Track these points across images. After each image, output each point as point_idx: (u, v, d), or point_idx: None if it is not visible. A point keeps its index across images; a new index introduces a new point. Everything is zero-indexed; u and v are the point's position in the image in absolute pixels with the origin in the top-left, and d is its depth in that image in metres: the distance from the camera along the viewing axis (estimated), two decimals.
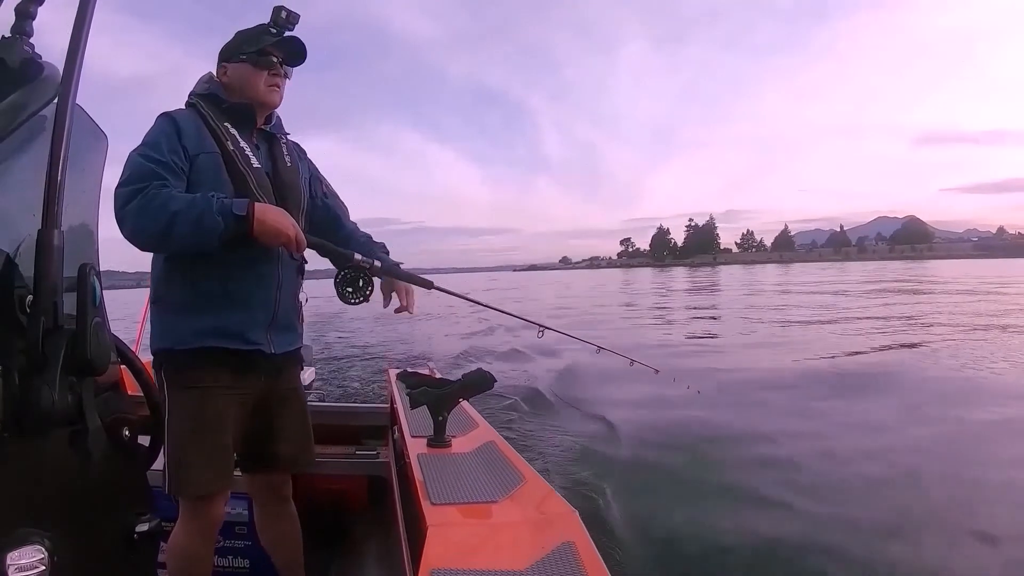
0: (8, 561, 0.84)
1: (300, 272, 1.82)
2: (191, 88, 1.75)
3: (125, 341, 1.54)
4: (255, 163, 1.69)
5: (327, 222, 1.92)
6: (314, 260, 1.84)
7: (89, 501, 1.15)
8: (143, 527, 1.30)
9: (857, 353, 10.01)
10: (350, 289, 1.77)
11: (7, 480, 0.90)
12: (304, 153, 1.92)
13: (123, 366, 1.47)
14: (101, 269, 1.19)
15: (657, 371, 2.74)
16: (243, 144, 1.68)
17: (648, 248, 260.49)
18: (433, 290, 1.97)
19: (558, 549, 1.11)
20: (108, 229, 1.40)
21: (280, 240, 1.56)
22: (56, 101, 0.81)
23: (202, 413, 1.60)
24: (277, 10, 1.66)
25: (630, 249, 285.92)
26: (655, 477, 4.32)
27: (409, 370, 2.45)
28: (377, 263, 1.76)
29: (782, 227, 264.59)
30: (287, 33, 1.71)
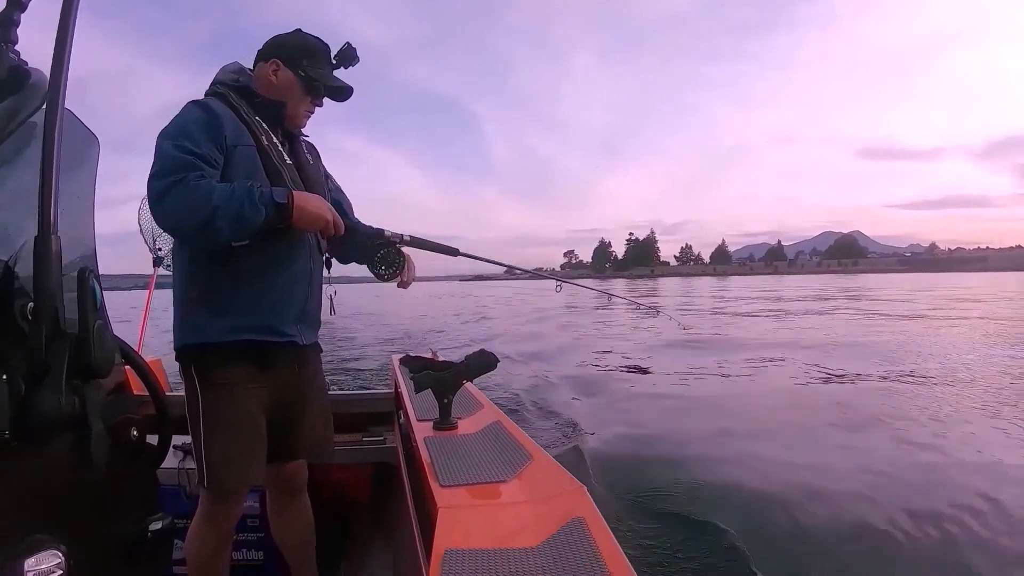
0: (26, 568, 0.85)
1: (328, 265, 1.84)
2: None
3: (128, 342, 1.54)
4: (287, 160, 1.70)
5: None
6: None
7: (100, 503, 1.16)
8: (156, 525, 1.32)
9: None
10: (383, 265, 1.84)
11: (18, 486, 0.90)
12: (318, 153, 1.92)
13: (127, 367, 1.47)
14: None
15: (658, 312, 3.47)
16: (275, 140, 1.69)
17: (590, 260, 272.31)
18: (460, 256, 2.07)
19: (568, 525, 1.12)
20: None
21: (320, 224, 1.58)
22: (45, 106, 0.81)
23: (238, 409, 1.59)
24: (348, 49, 1.74)
25: (573, 261, 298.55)
26: (662, 449, 4.36)
27: (412, 354, 2.45)
28: (407, 236, 1.83)
29: (721, 241, 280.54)
30: (347, 84, 1.77)
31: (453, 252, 1.98)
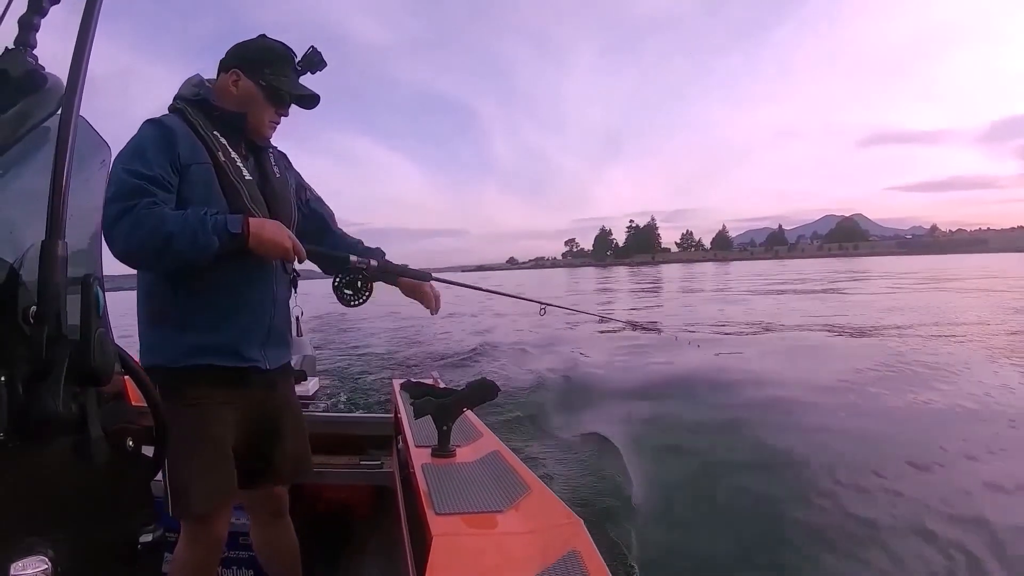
0: (12, 571, 0.84)
1: (293, 285, 1.81)
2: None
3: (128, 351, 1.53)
4: (247, 175, 1.64)
5: (315, 228, 1.89)
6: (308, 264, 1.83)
7: (92, 511, 1.14)
8: (147, 537, 1.29)
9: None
10: (349, 291, 1.79)
11: (11, 489, 0.89)
12: (289, 162, 1.87)
13: (126, 376, 1.46)
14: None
15: (660, 331, 3.09)
16: (234, 155, 1.63)
17: (591, 248, 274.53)
18: (433, 282, 1.96)
19: (564, 559, 1.10)
20: None
21: (278, 252, 1.54)
22: (60, 112, 0.81)
23: (201, 432, 1.55)
24: (313, 53, 1.67)
25: (574, 249, 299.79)
26: (661, 483, 4.29)
27: (413, 380, 2.44)
28: (374, 262, 1.76)
29: (721, 226, 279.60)
30: (313, 91, 1.71)
31: (425, 277, 1.90)
